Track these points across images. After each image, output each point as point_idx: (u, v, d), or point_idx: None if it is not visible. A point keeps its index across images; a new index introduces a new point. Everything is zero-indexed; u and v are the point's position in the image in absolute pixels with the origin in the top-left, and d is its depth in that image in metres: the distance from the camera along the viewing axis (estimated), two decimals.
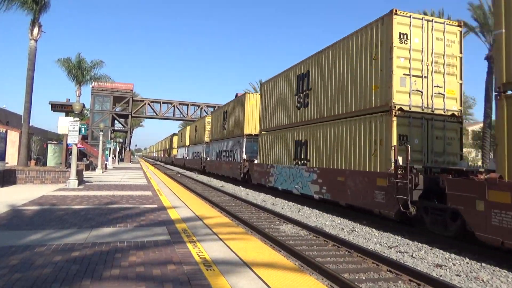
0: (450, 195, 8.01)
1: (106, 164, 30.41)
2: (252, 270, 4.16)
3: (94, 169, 26.73)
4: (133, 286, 3.58)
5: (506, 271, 6.56)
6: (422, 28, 10.58)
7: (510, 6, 7.00)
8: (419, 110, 10.40)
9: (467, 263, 7.09)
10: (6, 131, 18.87)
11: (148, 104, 62.64)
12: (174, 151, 61.11)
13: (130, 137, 68.30)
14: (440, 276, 6.29)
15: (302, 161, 14.99)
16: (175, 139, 59.80)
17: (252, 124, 23.36)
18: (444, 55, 10.75)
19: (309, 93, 14.65)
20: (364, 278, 6.06)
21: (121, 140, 66.43)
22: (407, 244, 8.49)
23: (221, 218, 7.87)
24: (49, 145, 24.87)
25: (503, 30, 7.07)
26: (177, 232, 6.11)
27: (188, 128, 47.26)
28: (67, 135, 15.90)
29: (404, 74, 10.30)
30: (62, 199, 9.90)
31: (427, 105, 10.54)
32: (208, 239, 5.69)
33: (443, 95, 10.73)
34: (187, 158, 45.41)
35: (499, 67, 7.13)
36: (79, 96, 35.38)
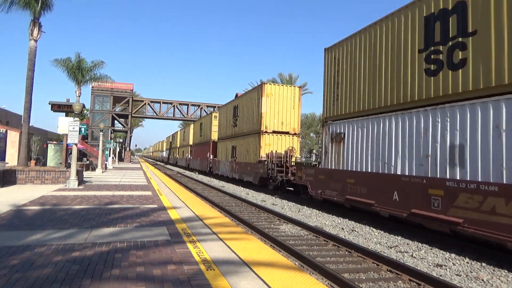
0: None
1: (106, 164, 30.43)
2: (252, 270, 4.17)
3: (94, 169, 26.74)
4: (133, 286, 3.58)
5: (506, 271, 6.56)
6: None
7: None
8: None
9: (467, 263, 7.09)
10: (6, 131, 18.85)
11: (148, 104, 62.77)
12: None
13: (130, 137, 68.39)
14: (440, 276, 6.30)
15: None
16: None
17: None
18: None
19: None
20: (364, 278, 6.07)
21: (121, 140, 66.52)
22: (407, 244, 8.49)
23: (221, 218, 7.87)
24: (49, 145, 24.86)
25: None
26: (177, 232, 6.11)
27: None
28: (67, 135, 15.91)
29: None
30: (62, 199, 9.91)
31: None
32: (208, 239, 5.69)
33: None
34: None
35: None
36: (79, 96, 35.37)
